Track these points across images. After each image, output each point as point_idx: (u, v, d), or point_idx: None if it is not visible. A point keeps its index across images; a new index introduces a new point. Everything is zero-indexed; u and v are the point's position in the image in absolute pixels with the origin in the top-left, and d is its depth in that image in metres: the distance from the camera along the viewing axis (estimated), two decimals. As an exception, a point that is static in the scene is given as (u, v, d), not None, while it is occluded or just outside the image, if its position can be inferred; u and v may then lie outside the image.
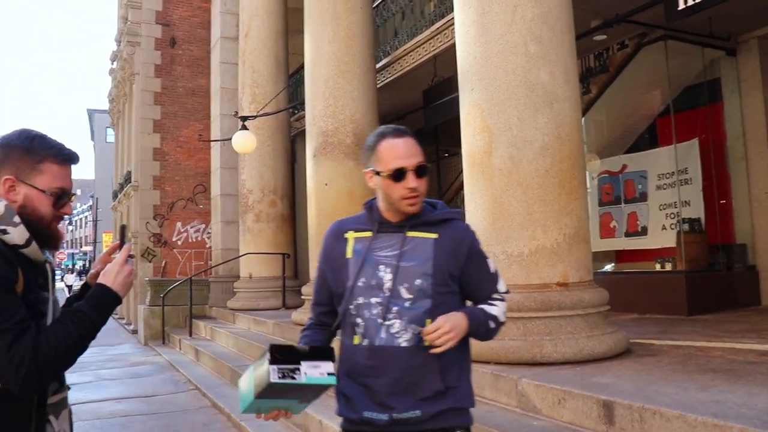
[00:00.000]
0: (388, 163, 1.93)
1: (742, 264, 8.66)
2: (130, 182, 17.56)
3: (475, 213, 5.39)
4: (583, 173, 5.75)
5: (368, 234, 2.01)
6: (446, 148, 14.53)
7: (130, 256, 1.81)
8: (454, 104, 7.96)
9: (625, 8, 7.37)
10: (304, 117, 11.21)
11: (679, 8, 5.63)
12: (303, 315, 8.63)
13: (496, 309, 2.01)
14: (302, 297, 9.01)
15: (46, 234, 1.73)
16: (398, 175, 1.91)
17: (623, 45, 9.15)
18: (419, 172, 1.93)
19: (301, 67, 11.92)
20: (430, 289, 1.91)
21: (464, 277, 2.01)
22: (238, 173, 13.38)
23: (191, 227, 16.69)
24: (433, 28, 9.22)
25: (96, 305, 1.73)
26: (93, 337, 1.71)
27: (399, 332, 1.90)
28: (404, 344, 1.90)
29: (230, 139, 11.78)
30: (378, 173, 1.95)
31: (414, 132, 2.01)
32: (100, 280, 1.77)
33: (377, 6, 10.91)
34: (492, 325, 1.99)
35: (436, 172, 14.80)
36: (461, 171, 5.41)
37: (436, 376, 1.89)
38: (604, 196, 9.73)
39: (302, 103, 10.98)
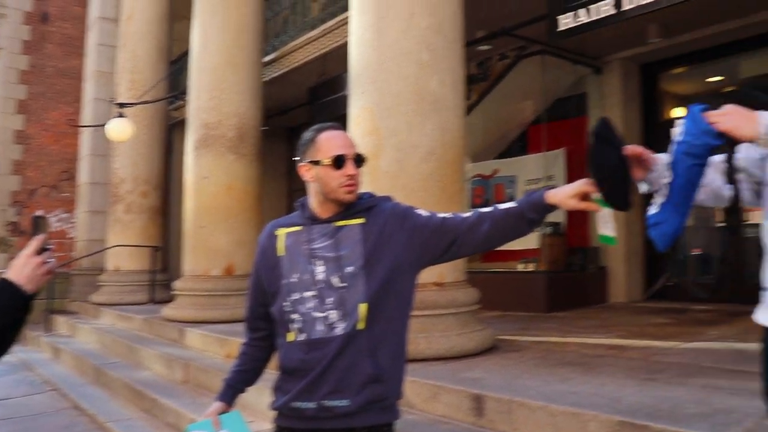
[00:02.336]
0: (328, 151, 1.99)
1: (595, 265, 9.44)
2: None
3: (360, 214, 5.56)
4: (463, 178, 6.11)
5: (299, 228, 2.05)
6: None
7: (45, 249, 1.69)
8: (341, 103, 8.14)
9: (509, 22, 7.84)
10: (183, 107, 10.98)
11: (559, 29, 6.11)
12: (175, 311, 8.38)
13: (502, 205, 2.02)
14: (173, 292, 8.78)
15: None
16: (339, 161, 1.97)
17: (504, 56, 9.69)
18: (357, 161, 2.02)
19: (184, 55, 11.58)
20: (363, 275, 1.94)
21: (435, 242, 2.04)
22: (110, 161, 12.63)
23: (53, 216, 15.68)
24: (325, 26, 9.32)
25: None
26: None
27: (335, 322, 1.94)
28: (340, 332, 1.92)
29: (104, 125, 11.19)
30: (317, 163, 2.00)
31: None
32: (7, 273, 1.64)
33: (268, -1, 10.85)
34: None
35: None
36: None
37: (367, 361, 1.92)
38: (476, 199, 10.27)
39: (184, 93, 10.69)
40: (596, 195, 1.82)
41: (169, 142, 13.11)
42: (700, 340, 5.71)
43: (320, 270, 1.97)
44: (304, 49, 9.86)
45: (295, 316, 1.98)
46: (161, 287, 11.52)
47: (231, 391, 2.19)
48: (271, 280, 2.06)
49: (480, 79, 10.04)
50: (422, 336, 5.15)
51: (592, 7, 5.81)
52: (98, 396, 6.90)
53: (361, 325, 1.93)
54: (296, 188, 15.31)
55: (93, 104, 14.89)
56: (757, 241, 1.89)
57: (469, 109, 9.77)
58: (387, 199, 2.13)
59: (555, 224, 9.20)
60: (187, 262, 8.65)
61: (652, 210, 1.86)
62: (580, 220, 9.56)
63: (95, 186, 14.66)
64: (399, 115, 5.51)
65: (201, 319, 7.97)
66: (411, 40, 5.59)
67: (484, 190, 10.24)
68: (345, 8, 6.77)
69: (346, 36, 6.29)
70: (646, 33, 8.23)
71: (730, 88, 9.54)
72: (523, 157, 10.00)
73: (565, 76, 9.55)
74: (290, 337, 1.99)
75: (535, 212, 1.95)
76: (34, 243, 1.68)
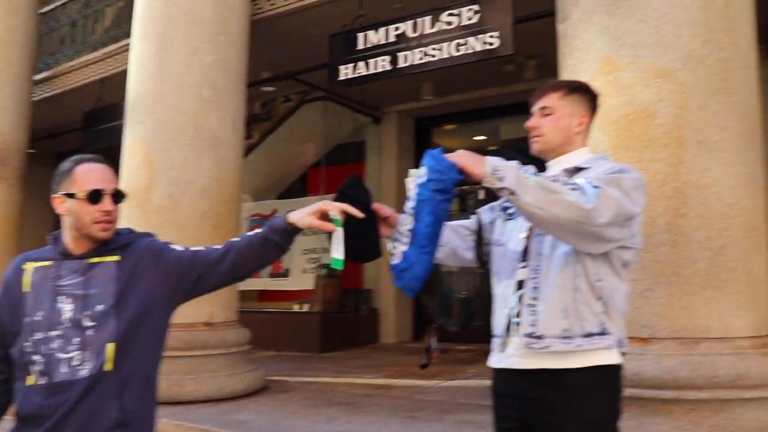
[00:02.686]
0: (84, 184, 1.87)
1: (367, 306, 9.74)
2: None
3: (129, 248, 5.28)
4: (239, 217, 6.04)
5: (48, 263, 1.91)
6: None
7: None
8: (117, 132, 7.68)
9: (294, 66, 7.97)
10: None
11: (340, 78, 6.34)
12: None
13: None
14: None
15: None
16: (94, 196, 1.86)
17: (288, 98, 9.82)
18: (116, 197, 1.90)
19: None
20: (113, 313, 1.84)
21: (186, 277, 1.98)
22: None
23: None
24: (106, 50, 8.81)
25: None
26: None
27: (80, 364, 1.80)
28: (85, 374, 1.80)
29: None
30: (71, 196, 1.87)
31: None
32: None
33: (45, 13, 10.06)
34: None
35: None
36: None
37: (113, 404, 1.81)
38: (254, 238, 10.19)
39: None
40: (333, 215, 1.89)
41: None
42: (459, 378, 6.08)
43: (68, 308, 1.83)
44: (82, 71, 9.23)
45: (36, 358, 1.81)
46: None
47: None
48: (13, 318, 1.86)
49: (263, 120, 10.07)
50: (190, 378, 4.95)
51: (371, 61, 6.12)
52: None
53: (108, 366, 1.80)
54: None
55: None
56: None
57: (251, 149, 9.74)
58: (146, 235, 2.04)
59: (330, 266, 9.37)
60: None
61: (395, 260, 1.97)
62: (354, 263, 9.82)
63: None
64: (176, 149, 5.37)
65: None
66: (193, 74, 5.50)
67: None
68: (128, 34, 6.47)
69: (128, 63, 6.03)
70: (421, 90, 8.81)
71: (492, 147, 10.50)
72: (302, 198, 10.12)
73: (346, 123, 9.90)
74: (30, 380, 1.81)
75: (277, 234, 1.95)
76: None
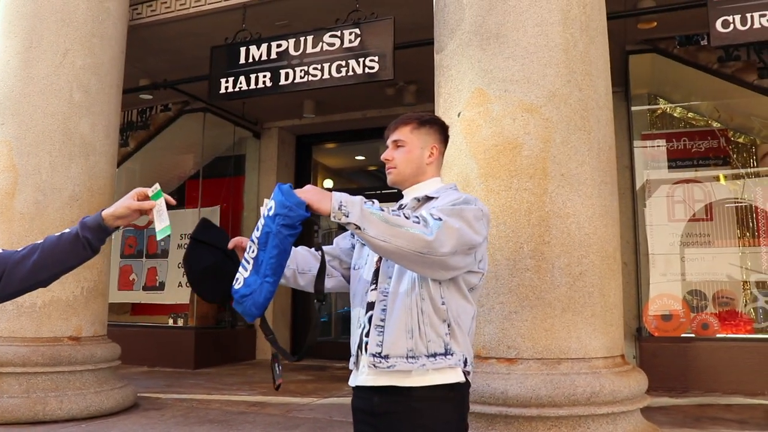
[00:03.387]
0: None
1: (244, 322, 9.59)
2: None
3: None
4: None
5: None
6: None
7: None
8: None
9: (174, 76, 7.80)
10: None
11: (221, 91, 6.28)
12: None
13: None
14: None
15: None
16: None
17: (167, 107, 9.59)
18: None
19: None
20: None
21: None
22: None
23: None
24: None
25: None
26: None
27: None
28: None
29: None
30: None
31: None
32: None
33: None
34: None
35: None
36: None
37: None
38: (127, 249, 9.82)
39: None
40: (152, 191, 1.92)
41: None
42: (335, 395, 6.13)
43: None
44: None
45: None
46: None
47: None
48: None
49: (140, 128, 9.77)
50: (53, 395, 4.74)
51: (252, 76, 6.11)
52: None
53: None
54: None
55: None
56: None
57: (127, 157, 9.42)
58: None
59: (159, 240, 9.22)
60: None
61: (237, 285, 2.01)
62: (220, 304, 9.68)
63: None
64: (42, 153, 5.16)
65: None
66: (63, 77, 5.30)
67: (137, 240, 9.85)
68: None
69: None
70: (303, 107, 8.87)
71: (372, 168, 10.70)
72: (179, 210, 9.86)
73: (226, 136, 9.77)
74: None
75: (90, 231, 1.85)
76: None
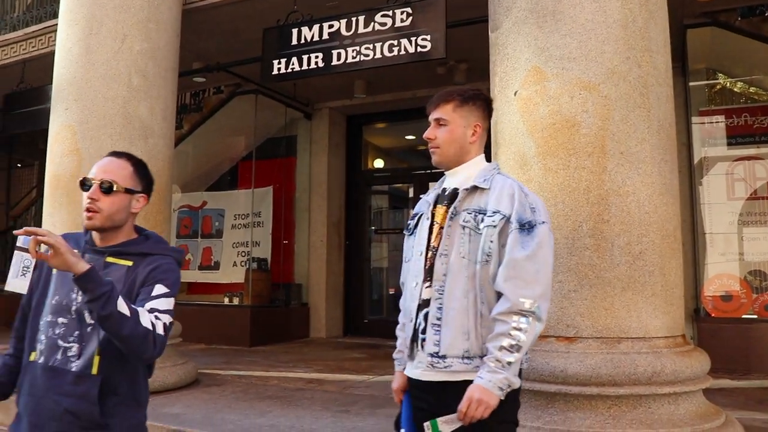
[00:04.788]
0: (88, 173, 1.97)
1: (298, 301, 9.76)
2: None
3: (54, 237, 5.16)
4: (169, 209, 5.98)
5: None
6: (21, 158, 13.22)
7: None
8: (41, 116, 7.46)
9: (226, 58, 7.90)
10: None
11: (273, 73, 6.33)
12: None
13: (133, 306, 1.79)
14: None
15: None
16: (83, 184, 1.94)
17: (219, 90, 9.72)
18: (104, 188, 1.92)
19: None
20: None
21: None
22: None
23: None
24: (28, 30, 8.48)
25: None
26: None
27: (74, 356, 1.86)
28: (74, 369, 1.86)
29: None
30: None
31: None
32: None
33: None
34: (117, 310, 1.72)
35: (5, 182, 13.35)
36: (35, 186, 5.08)
37: (94, 408, 1.84)
38: (183, 229, 10.06)
39: None
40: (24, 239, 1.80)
41: None
42: (391, 373, 6.17)
43: (78, 300, 1.90)
44: (2, 50, 8.87)
45: (42, 337, 1.92)
46: None
47: None
48: (41, 294, 1.97)
49: (194, 110, 9.94)
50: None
51: (304, 57, 6.15)
52: None
53: (93, 370, 1.86)
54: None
55: None
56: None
57: (181, 139, 9.60)
58: (168, 252, 2.03)
59: (260, 260, 9.36)
60: None
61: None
62: (285, 256, 9.85)
63: None
64: (104, 136, 5.29)
65: None
66: (122, 62, 5.42)
67: (192, 221, 10.08)
68: (54, 15, 6.27)
69: (53, 45, 5.86)
70: (353, 88, 8.89)
71: (421, 147, 10.68)
72: (233, 191, 10.07)
73: (277, 118, 9.87)
74: (33, 356, 1.93)
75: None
76: None
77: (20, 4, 9.22)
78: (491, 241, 2.03)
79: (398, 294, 2.37)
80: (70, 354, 1.88)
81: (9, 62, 8.75)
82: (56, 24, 5.92)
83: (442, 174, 2.32)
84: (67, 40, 5.55)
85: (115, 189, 1.94)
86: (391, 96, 9.28)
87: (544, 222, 2.05)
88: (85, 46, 5.44)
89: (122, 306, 1.73)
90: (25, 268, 1.86)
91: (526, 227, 2.01)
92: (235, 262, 9.54)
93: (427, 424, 2.01)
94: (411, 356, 2.15)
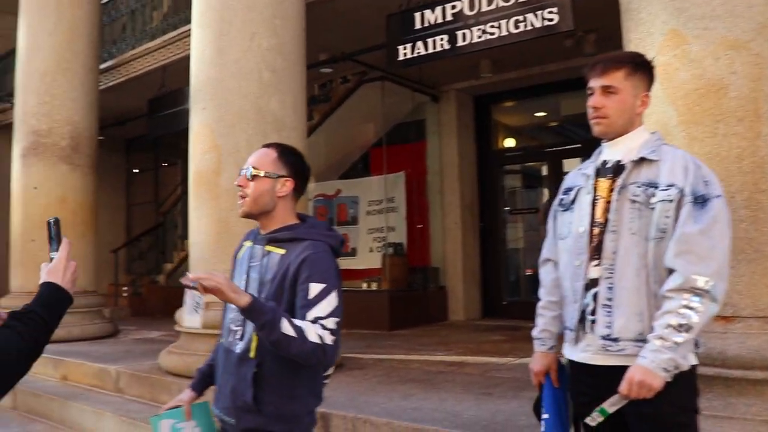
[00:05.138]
0: None
1: (435, 284, 9.80)
2: None
3: (200, 231, 5.45)
4: (306, 197, 6.16)
5: (250, 243, 2.14)
6: (166, 158, 14.15)
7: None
8: (181, 117, 7.92)
9: (351, 48, 8.04)
10: (9, 110, 10.23)
11: (399, 59, 6.35)
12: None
13: (297, 324, 1.83)
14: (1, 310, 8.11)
15: None
16: (240, 173, 2.08)
17: (346, 79, 9.90)
18: (248, 175, 2.05)
19: (9, 54, 10.81)
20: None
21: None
22: None
23: None
24: (166, 37, 9.05)
25: (49, 306, 1.61)
26: (47, 341, 1.60)
27: (239, 338, 1.99)
28: (238, 351, 1.99)
29: None
30: None
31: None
32: (48, 278, 1.64)
33: (106, 3, 10.37)
34: (282, 332, 1.79)
35: (154, 181, 14.37)
36: (180, 182, 5.40)
37: (248, 390, 1.92)
38: (318, 218, 10.29)
39: (10, 95, 9.96)
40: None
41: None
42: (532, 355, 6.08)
43: (251, 288, 2.02)
44: (144, 58, 9.51)
45: (225, 321, 2.10)
46: (-18, 305, 10.57)
47: (203, 382, 2.22)
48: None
49: (322, 101, 10.19)
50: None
51: (429, 40, 6.11)
52: None
53: (251, 354, 1.96)
54: (134, 202, 14.62)
55: None
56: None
57: (312, 130, 9.87)
58: (321, 237, 2.05)
59: (396, 244, 9.47)
60: (15, 277, 8.13)
61: None
62: (420, 240, 9.91)
63: None
64: (239, 132, 5.49)
65: (33, 338, 7.41)
66: (252, 59, 5.59)
67: (327, 209, 10.36)
68: (187, 21, 6.61)
69: (188, 49, 6.17)
70: (479, 68, 8.75)
71: (553, 123, 10.37)
72: (366, 178, 10.25)
73: (405, 103, 9.91)
74: (222, 339, 2.12)
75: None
76: (66, 246, 1.70)
77: (157, 15, 9.82)
78: (666, 217, 1.90)
79: (536, 275, 2.29)
80: (236, 336, 2.01)
81: (151, 69, 9.36)
82: (190, 29, 6.23)
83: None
84: (200, 43, 5.81)
85: (257, 174, 2.04)
86: (518, 73, 9.06)
87: (719, 195, 1.90)
88: (216, 47, 5.67)
89: (287, 328, 1.80)
90: (197, 305, 1.99)
91: (700, 201, 1.88)
92: (371, 248, 9.72)
93: (595, 414, 1.93)
94: (576, 339, 2.05)
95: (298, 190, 2.12)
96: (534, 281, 9.77)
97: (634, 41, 3.66)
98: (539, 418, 2.23)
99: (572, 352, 2.08)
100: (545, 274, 2.29)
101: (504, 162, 10.40)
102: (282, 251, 2.00)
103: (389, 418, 3.81)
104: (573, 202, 2.14)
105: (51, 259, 1.69)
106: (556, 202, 2.26)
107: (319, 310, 1.89)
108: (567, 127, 10.07)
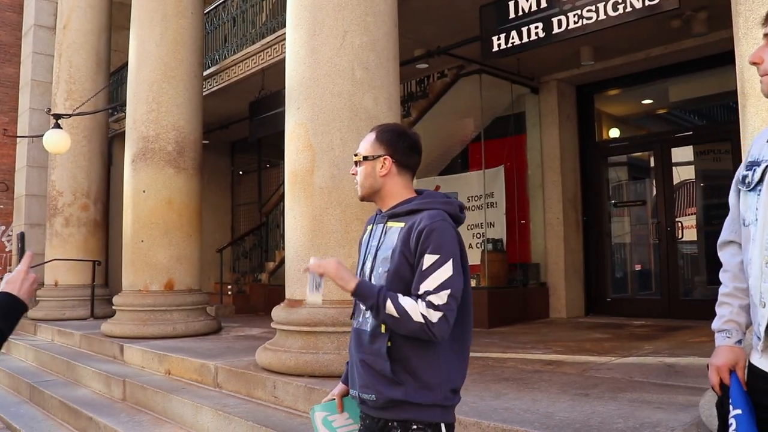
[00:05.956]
0: None
1: (536, 281, 9.55)
2: None
3: (295, 228, 5.51)
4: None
5: (371, 227, 2.19)
6: (269, 159, 14.56)
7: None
8: (280, 118, 8.08)
9: (446, 41, 7.94)
10: (124, 119, 10.82)
11: (494, 50, 6.22)
12: (113, 326, 8.26)
13: (401, 305, 1.87)
14: (114, 307, 8.60)
15: None
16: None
17: (443, 74, 9.81)
18: (355, 161, 2.15)
19: (124, 66, 11.47)
20: (387, 279, 1.97)
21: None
22: (48, 173, 12.37)
23: (-10, 230, 15.11)
24: (264, 41, 9.29)
25: (4, 315, 1.72)
26: (1, 345, 1.70)
27: (369, 317, 2.02)
28: (368, 329, 2.02)
29: (41, 136, 10.93)
30: None
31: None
32: (5, 288, 1.76)
33: (208, 12, 10.78)
34: (386, 313, 1.87)
35: (257, 182, 14.82)
36: (282, 182, 5.52)
37: (385, 363, 1.95)
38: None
39: (123, 105, 10.55)
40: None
41: (109, 154, 12.93)
42: (634, 355, 5.79)
43: (368, 266, 2.09)
44: (244, 63, 9.81)
45: (355, 303, 2.12)
46: (102, 302, 11.33)
47: None
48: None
49: (419, 97, 10.13)
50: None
51: (523, 29, 5.94)
52: (32, 415, 6.70)
53: (382, 329, 1.97)
54: (239, 203, 15.14)
55: (29, 114, 14.57)
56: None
57: (410, 127, 9.82)
58: (429, 204, 2.04)
59: (495, 240, 9.29)
60: (126, 276, 8.50)
61: None
62: (520, 236, 9.67)
63: (33, 198, 14.40)
64: (333, 131, 5.50)
65: (141, 335, 7.86)
66: (344, 57, 5.60)
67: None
68: (284, 24, 6.75)
69: (285, 51, 6.27)
70: (580, 56, 8.44)
71: (661, 111, 9.86)
72: (464, 174, 10.11)
73: (503, 95, 9.70)
74: (355, 322, 2.14)
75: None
76: (26, 259, 1.84)
77: (259, 19, 10.09)
78: None
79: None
80: (367, 315, 2.03)
81: (251, 72, 9.62)
82: (285, 32, 6.33)
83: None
84: (294, 44, 5.89)
85: (359, 159, 2.14)
86: (621, 60, 8.67)
87: None
88: (309, 47, 5.72)
89: (391, 309, 1.87)
90: (317, 284, 2.02)
91: None
92: (470, 244, 9.56)
93: None
94: (762, 351, 1.70)
95: (403, 165, 2.12)
96: (641, 277, 9.33)
97: (743, 14, 3.34)
98: (722, 420, 1.83)
99: (759, 361, 1.75)
100: (729, 257, 1.90)
101: (608, 153, 9.99)
102: (401, 224, 2.03)
103: (478, 418, 3.69)
104: (761, 181, 1.71)
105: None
106: (737, 175, 1.84)
107: (430, 283, 1.89)
108: (676, 114, 9.56)
